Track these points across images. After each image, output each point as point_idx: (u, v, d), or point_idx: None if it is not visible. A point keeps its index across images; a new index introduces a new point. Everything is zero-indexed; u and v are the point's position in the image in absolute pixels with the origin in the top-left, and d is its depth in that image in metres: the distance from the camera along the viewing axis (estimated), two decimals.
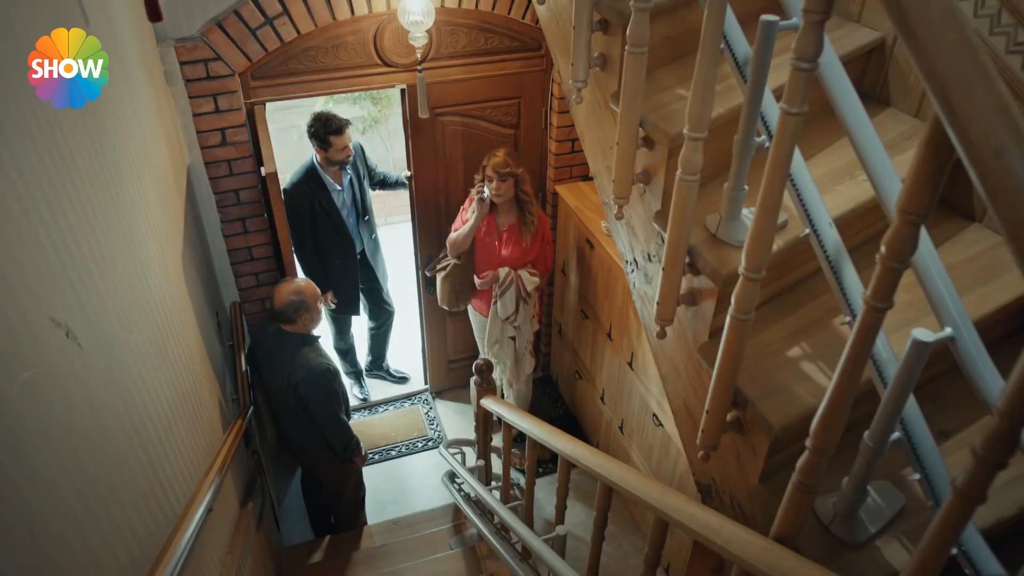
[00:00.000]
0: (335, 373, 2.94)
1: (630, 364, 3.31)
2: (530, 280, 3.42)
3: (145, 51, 2.44)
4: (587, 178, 3.84)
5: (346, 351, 4.36)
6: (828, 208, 1.24)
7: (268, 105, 3.19)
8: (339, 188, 3.59)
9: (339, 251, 3.70)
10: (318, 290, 2.99)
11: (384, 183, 3.93)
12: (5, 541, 0.92)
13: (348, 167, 3.58)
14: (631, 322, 3.21)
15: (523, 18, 3.32)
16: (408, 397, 4.54)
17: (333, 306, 3.82)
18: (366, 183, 3.79)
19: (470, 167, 3.67)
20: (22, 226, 1.06)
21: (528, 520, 2.65)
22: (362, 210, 3.78)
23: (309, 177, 3.48)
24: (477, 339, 3.86)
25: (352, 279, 3.86)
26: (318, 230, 3.57)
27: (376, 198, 5.96)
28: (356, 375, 4.49)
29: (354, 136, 3.57)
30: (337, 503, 3.42)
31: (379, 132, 6.06)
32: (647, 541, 1.59)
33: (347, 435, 3.06)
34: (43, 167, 1.17)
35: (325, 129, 3.34)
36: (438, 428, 4.31)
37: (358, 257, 3.86)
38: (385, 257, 4.19)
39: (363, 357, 4.56)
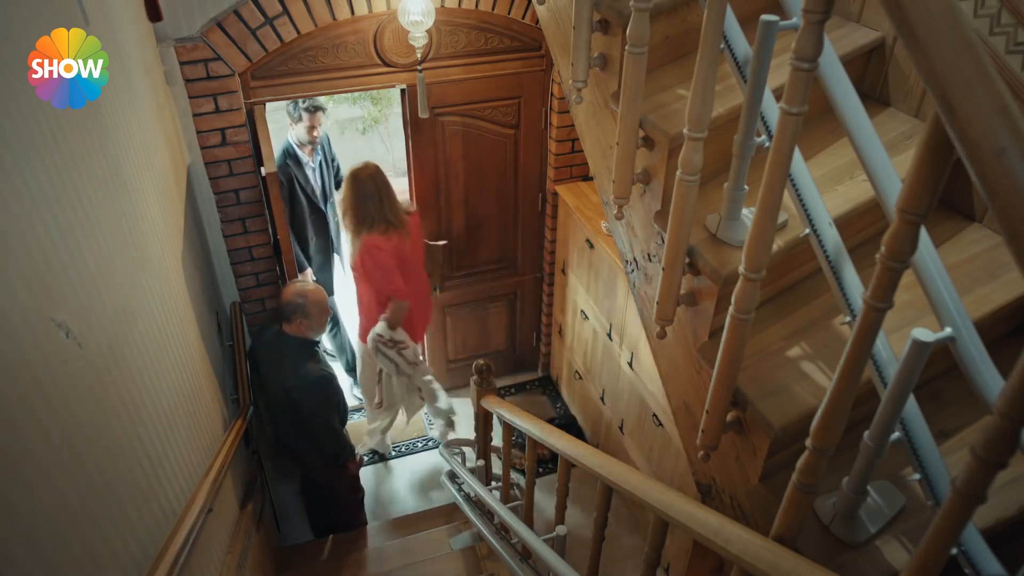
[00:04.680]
0: (330, 380, 2.92)
1: (630, 364, 3.31)
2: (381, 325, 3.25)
3: (145, 51, 2.44)
4: (587, 178, 3.84)
5: (342, 349, 4.37)
6: (828, 208, 1.25)
7: (268, 105, 3.20)
8: (312, 166, 3.82)
9: (315, 228, 3.93)
10: (325, 300, 2.99)
11: (336, 177, 4.09)
12: (5, 541, 0.92)
13: (319, 148, 3.84)
14: (631, 322, 3.21)
15: (523, 18, 3.32)
16: None
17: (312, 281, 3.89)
18: (328, 174, 4.01)
19: (470, 167, 3.67)
20: (22, 226, 1.06)
21: (528, 520, 2.65)
22: (326, 194, 3.98)
23: (287, 154, 3.72)
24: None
25: (327, 256, 4.10)
26: (295, 206, 3.79)
27: None
28: (355, 374, 4.48)
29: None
30: (336, 504, 3.42)
31: (379, 132, 6.05)
32: (647, 541, 1.59)
33: (338, 442, 3.02)
34: (44, 167, 1.17)
35: (302, 104, 3.60)
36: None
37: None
38: None
39: None
